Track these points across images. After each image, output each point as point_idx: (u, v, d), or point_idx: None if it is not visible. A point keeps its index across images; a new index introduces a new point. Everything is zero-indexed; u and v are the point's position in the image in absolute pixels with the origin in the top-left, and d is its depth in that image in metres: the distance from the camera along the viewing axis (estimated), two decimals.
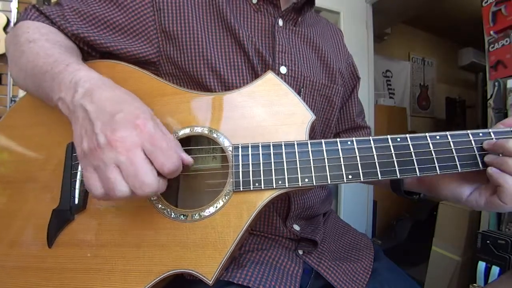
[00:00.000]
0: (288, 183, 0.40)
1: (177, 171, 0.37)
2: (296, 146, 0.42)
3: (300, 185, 0.40)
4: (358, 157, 0.41)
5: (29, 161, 0.48)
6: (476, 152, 0.40)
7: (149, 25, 0.51)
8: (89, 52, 0.52)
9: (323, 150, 0.41)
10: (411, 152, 0.40)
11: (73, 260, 0.42)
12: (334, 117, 0.63)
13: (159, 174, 0.35)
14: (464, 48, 4.09)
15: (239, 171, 0.41)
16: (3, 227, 0.46)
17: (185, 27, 0.51)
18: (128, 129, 0.34)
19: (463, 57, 4.12)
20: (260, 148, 0.42)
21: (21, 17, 0.51)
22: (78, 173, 0.44)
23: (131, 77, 0.49)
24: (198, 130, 0.45)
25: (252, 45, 0.53)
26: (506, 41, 1.45)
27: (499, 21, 1.49)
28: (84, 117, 0.36)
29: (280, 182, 0.40)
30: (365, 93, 2.24)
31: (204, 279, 0.39)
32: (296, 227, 0.54)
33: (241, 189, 0.41)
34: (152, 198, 0.43)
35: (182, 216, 0.42)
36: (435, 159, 0.40)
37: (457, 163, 0.40)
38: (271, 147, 0.42)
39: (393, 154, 0.40)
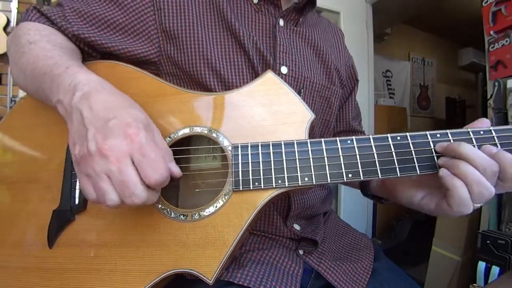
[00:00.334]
0: (287, 182, 0.40)
1: (163, 183, 0.36)
2: (295, 145, 0.42)
3: (300, 184, 0.40)
4: (358, 156, 0.41)
5: (32, 162, 0.48)
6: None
7: (149, 25, 0.51)
8: (90, 52, 0.52)
9: (322, 149, 0.41)
10: (411, 151, 0.40)
11: (73, 260, 0.42)
12: (333, 119, 0.63)
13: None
14: (464, 48, 4.08)
15: (238, 171, 0.41)
16: (6, 227, 0.46)
17: (186, 27, 0.51)
18: (119, 137, 0.34)
19: (463, 57, 4.12)
20: (260, 147, 0.42)
21: (22, 19, 0.51)
22: None
23: (132, 77, 0.49)
24: (197, 130, 0.45)
25: (253, 45, 0.53)
26: (506, 41, 1.45)
27: (499, 21, 1.49)
28: (79, 121, 0.36)
29: (279, 181, 0.40)
30: (365, 93, 2.24)
31: (204, 278, 0.39)
32: (297, 227, 0.54)
33: (241, 189, 0.41)
34: None
35: (182, 216, 0.42)
36: (435, 157, 0.39)
37: None
38: (271, 146, 0.42)
39: (393, 153, 0.40)
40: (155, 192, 0.37)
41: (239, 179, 0.41)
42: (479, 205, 0.38)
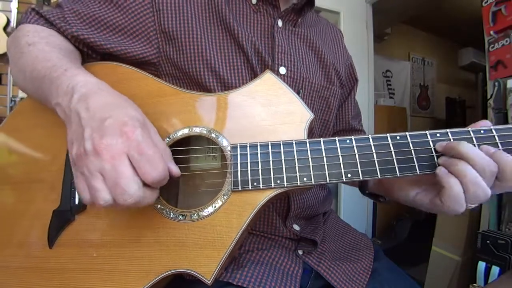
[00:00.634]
0: (286, 182, 0.40)
1: (162, 181, 0.36)
2: (294, 145, 0.42)
3: (298, 184, 0.40)
4: (357, 156, 0.40)
5: (35, 163, 0.48)
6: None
7: (148, 26, 0.51)
8: (89, 54, 0.53)
9: (321, 149, 0.41)
10: (411, 150, 0.40)
11: (73, 260, 0.42)
12: (332, 119, 0.63)
13: (146, 184, 0.35)
14: (464, 48, 4.09)
15: (237, 171, 0.41)
16: (9, 227, 0.46)
17: (185, 28, 0.51)
18: (115, 136, 0.34)
19: (463, 57, 4.12)
20: (259, 147, 0.42)
21: (21, 20, 0.51)
22: None
23: (131, 78, 0.49)
24: (196, 130, 0.45)
25: (252, 45, 0.53)
26: (506, 41, 1.45)
27: (499, 21, 1.49)
28: (77, 122, 0.36)
29: (278, 181, 0.40)
30: (365, 93, 2.24)
31: (203, 279, 0.39)
32: (296, 227, 0.54)
33: (240, 189, 0.41)
34: None
35: (181, 216, 0.42)
36: (435, 156, 0.39)
37: None
38: (270, 146, 0.42)
39: (393, 153, 0.40)
40: (153, 192, 0.36)
41: (237, 179, 0.41)
42: (473, 205, 0.38)
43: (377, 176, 0.40)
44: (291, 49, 0.57)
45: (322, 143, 0.41)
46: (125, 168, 0.33)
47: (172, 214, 0.42)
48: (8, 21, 1.59)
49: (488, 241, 1.31)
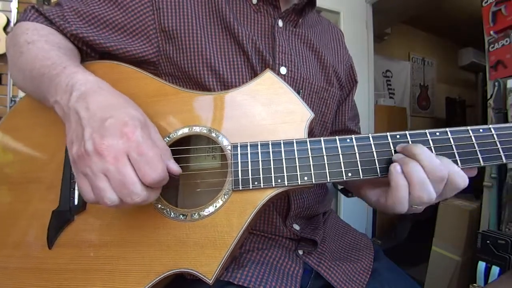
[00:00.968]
0: (287, 181, 0.40)
1: (161, 182, 0.36)
2: (295, 144, 0.42)
3: (299, 183, 0.40)
4: (357, 155, 0.41)
5: (33, 162, 0.48)
6: (476, 148, 0.40)
7: (148, 25, 0.51)
8: (89, 52, 0.52)
9: (322, 148, 0.41)
10: None
11: (73, 261, 0.42)
12: (330, 120, 0.63)
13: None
14: (464, 48, 4.09)
15: (238, 170, 0.41)
16: (7, 227, 0.46)
17: (185, 27, 0.51)
18: (116, 136, 0.34)
19: (463, 57, 4.12)
20: (259, 146, 0.42)
21: (20, 18, 0.51)
22: None
23: (131, 77, 0.49)
24: (197, 129, 0.45)
25: (252, 45, 0.53)
26: (506, 41, 1.45)
27: (499, 21, 1.49)
28: (76, 121, 0.36)
29: (279, 181, 0.40)
30: (365, 93, 2.24)
31: (204, 278, 0.39)
32: (296, 227, 0.54)
33: (241, 188, 0.41)
34: None
35: (181, 216, 0.42)
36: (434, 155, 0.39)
37: (457, 158, 0.39)
38: (270, 145, 0.42)
39: (393, 151, 0.40)
40: (155, 191, 0.37)
41: (238, 179, 0.41)
42: (418, 207, 0.39)
43: (377, 175, 0.40)
44: (291, 49, 0.57)
45: (322, 142, 0.41)
46: (128, 169, 0.34)
47: (172, 213, 0.42)
48: (8, 21, 1.59)
49: (488, 241, 1.31)
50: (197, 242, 0.40)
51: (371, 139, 0.41)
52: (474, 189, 1.70)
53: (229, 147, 0.43)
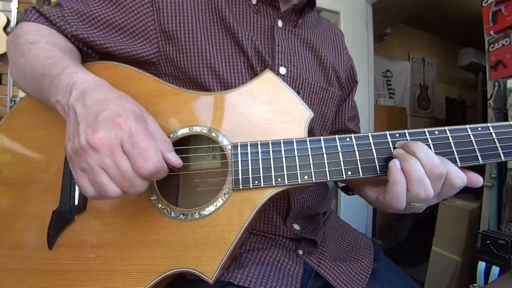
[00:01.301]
0: (287, 180, 0.40)
1: (158, 173, 0.35)
2: (295, 143, 0.42)
3: (299, 182, 0.40)
4: (357, 153, 0.41)
5: (33, 163, 0.48)
6: (475, 146, 0.40)
7: (148, 25, 0.51)
8: (89, 53, 0.53)
9: (322, 147, 0.41)
10: None
11: (73, 261, 0.42)
12: (330, 120, 0.63)
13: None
14: (464, 48, 4.09)
15: (238, 170, 0.42)
16: (6, 228, 0.46)
17: (184, 27, 0.51)
18: (108, 128, 0.34)
19: (463, 57, 4.12)
20: (259, 146, 0.42)
21: (21, 19, 0.51)
22: None
23: (131, 78, 0.49)
24: (197, 129, 0.45)
25: (252, 45, 0.53)
26: (506, 41, 1.45)
27: (499, 21, 1.49)
28: (74, 119, 0.36)
29: (279, 180, 0.41)
30: (365, 93, 2.24)
31: (205, 278, 0.39)
32: (296, 227, 0.54)
33: (241, 187, 0.41)
34: (152, 198, 0.43)
35: (182, 215, 0.42)
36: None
37: (456, 156, 0.39)
38: (270, 145, 0.42)
39: (392, 149, 0.40)
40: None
41: (238, 178, 0.41)
42: (416, 205, 0.39)
43: (377, 174, 0.40)
44: (291, 49, 0.57)
45: (322, 141, 0.42)
46: (125, 161, 0.33)
47: (173, 213, 0.42)
48: (8, 21, 1.59)
49: (488, 241, 1.31)
50: (197, 242, 0.40)
51: (370, 138, 0.41)
52: (474, 189, 1.70)
53: (229, 147, 0.43)
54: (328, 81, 0.62)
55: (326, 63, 0.62)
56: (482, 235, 1.35)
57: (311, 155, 0.41)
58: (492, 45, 1.52)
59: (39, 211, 0.45)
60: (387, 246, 2.32)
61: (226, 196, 0.42)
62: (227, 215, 0.41)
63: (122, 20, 0.51)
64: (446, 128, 0.41)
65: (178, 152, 0.44)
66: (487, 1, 1.54)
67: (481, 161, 0.39)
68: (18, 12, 1.59)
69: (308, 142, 0.42)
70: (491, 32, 1.53)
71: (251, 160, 0.42)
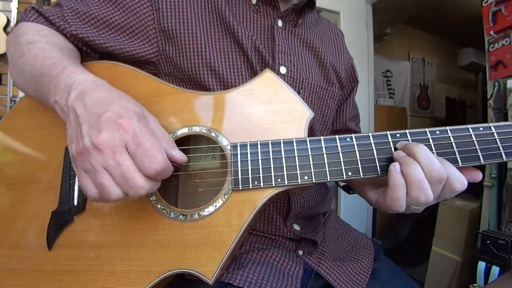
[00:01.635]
0: (287, 180, 0.40)
1: (163, 172, 0.35)
2: (295, 143, 0.42)
3: (299, 182, 0.40)
4: (357, 153, 0.40)
5: (32, 163, 0.48)
6: (476, 146, 0.39)
7: (148, 25, 0.51)
8: (88, 52, 0.52)
9: (322, 147, 0.41)
10: None
11: (73, 262, 0.42)
12: (330, 120, 0.63)
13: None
14: (464, 48, 4.09)
15: (238, 170, 0.41)
16: (6, 228, 0.46)
17: (184, 27, 0.51)
18: (112, 129, 0.34)
19: (463, 57, 4.12)
20: (259, 146, 0.42)
21: (20, 19, 0.51)
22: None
23: (130, 77, 0.49)
24: (196, 129, 0.45)
25: (252, 45, 0.53)
26: (506, 41, 1.45)
27: (499, 21, 1.49)
28: (75, 120, 0.36)
29: (279, 180, 0.40)
30: (365, 93, 2.24)
31: (205, 279, 0.38)
32: (296, 227, 0.54)
33: (240, 188, 0.41)
34: (151, 198, 0.43)
35: (181, 216, 0.42)
36: (435, 154, 0.39)
37: (458, 156, 0.39)
38: (270, 145, 0.42)
39: (393, 150, 0.40)
40: (157, 181, 0.37)
41: (238, 178, 0.41)
42: (416, 207, 0.39)
43: (378, 174, 0.40)
44: (291, 49, 0.57)
45: (322, 141, 0.41)
46: (128, 162, 0.33)
47: (172, 214, 0.42)
48: (8, 21, 1.59)
49: (488, 241, 1.31)
50: (197, 243, 0.40)
51: (371, 138, 0.41)
52: (474, 189, 1.70)
53: (229, 147, 0.43)
54: (328, 81, 0.62)
55: (326, 63, 0.62)
56: (482, 235, 1.35)
57: (311, 155, 0.41)
58: (492, 45, 1.52)
59: (38, 211, 0.45)
60: (387, 246, 2.32)
61: (225, 196, 0.42)
62: (226, 216, 0.41)
63: (122, 20, 0.51)
64: (447, 128, 0.40)
65: None
66: (487, 1, 1.54)
67: (482, 161, 0.39)
68: (18, 12, 1.59)
69: (308, 142, 0.42)
70: (491, 32, 1.52)
71: (250, 160, 0.41)
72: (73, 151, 0.35)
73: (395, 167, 0.37)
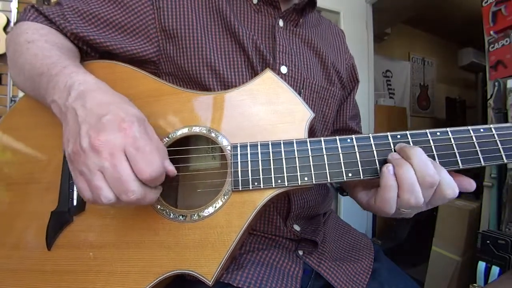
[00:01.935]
0: (287, 181, 0.40)
1: (158, 178, 0.35)
2: (295, 144, 0.42)
3: (299, 183, 0.40)
4: (358, 155, 0.40)
5: (32, 163, 0.48)
6: (477, 148, 0.39)
7: (149, 24, 0.51)
8: (89, 52, 0.52)
9: (322, 148, 0.41)
10: None
11: (73, 262, 0.42)
12: (331, 120, 0.63)
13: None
14: (464, 48, 4.09)
15: (237, 171, 0.41)
16: (6, 228, 0.46)
17: (185, 26, 0.51)
18: (113, 132, 0.33)
19: (463, 57, 4.12)
20: (259, 147, 0.42)
21: (20, 18, 0.51)
22: None
23: (130, 77, 0.49)
24: (196, 129, 0.45)
25: (253, 44, 0.53)
26: (506, 41, 1.45)
27: (499, 21, 1.49)
28: (73, 120, 0.36)
29: (279, 181, 0.40)
30: (365, 93, 2.24)
31: (204, 279, 0.38)
32: (297, 227, 0.54)
33: (240, 189, 0.41)
34: None
35: (181, 217, 0.42)
36: (435, 155, 0.39)
37: (458, 158, 0.39)
38: (270, 146, 0.42)
39: (393, 151, 0.40)
40: (153, 191, 0.36)
41: (238, 179, 0.41)
42: (405, 211, 0.38)
43: (378, 175, 0.40)
44: (292, 49, 0.56)
45: (322, 142, 0.41)
46: (125, 165, 0.33)
47: (172, 214, 0.42)
48: (8, 21, 1.59)
49: (488, 241, 1.31)
50: (196, 243, 0.40)
51: (371, 139, 0.41)
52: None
53: (229, 147, 0.43)
54: (329, 80, 0.62)
55: (327, 62, 0.62)
56: (482, 235, 1.35)
57: (311, 156, 0.41)
58: (492, 45, 1.52)
59: (38, 211, 0.45)
60: (387, 246, 2.32)
61: (225, 197, 0.41)
62: (226, 217, 0.41)
63: (123, 19, 0.51)
64: (448, 129, 0.40)
65: (178, 152, 0.44)
66: (487, 1, 1.54)
67: (483, 163, 0.39)
68: (18, 12, 1.59)
69: (308, 143, 0.41)
70: (491, 32, 1.52)
71: (250, 161, 0.41)
72: (70, 151, 0.35)
73: (388, 169, 0.37)
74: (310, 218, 0.60)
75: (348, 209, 2.09)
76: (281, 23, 0.57)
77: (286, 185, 0.40)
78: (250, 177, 0.41)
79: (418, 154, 0.37)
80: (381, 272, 0.55)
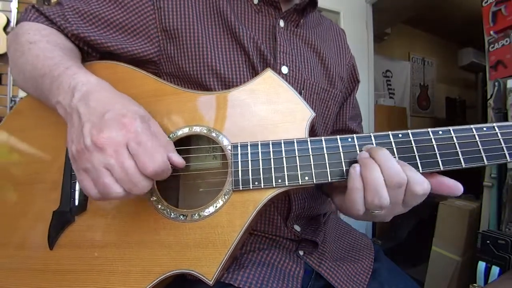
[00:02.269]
0: (288, 181, 0.40)
1: (162, 173, 0.36)
2: (295, 144, 0.42)
3: (300, 183, 0.40)
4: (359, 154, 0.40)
5: (38, 163, 0.48)
6: (480, 147, 0.39)
7: (149, 24, 0.51)
8: (89, 52, 0.52)
9: (323, 147, 0.41)
10: (412, 147, 0.39)
11: (74, 262, 0.42)
12: (331, 121, 0.63)
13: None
14: (464, 48, 4.09)
15: (238, 170, 0.41)
16: (10, 228, 0.46)
17: (186, 26, 0.51)
18: (115, 128, 0.34)
19: (463, 57, 4.12)
20: (260, 146, 0.42)
21: (21, 18, 0.51)
22: None
23: (131, 77, 0.49)
24: (197, 129, 0.45)
25: (253, 44, 0.53)
26: (506, 41, 1.45)
27: (499, 21, 1.49)
28: (77, 120, 0.36)
29: (280, 181, 0.40)
30: (365, 93, 2.24)
31: (205, 279, 0.38)
32: (297, 228, 0.54)
33: (241, 188, 0.41)
34: (152, 199, 0.43)
35: (181, 216, 0.42)
36: (437, 154, 0.39)
37: (461, 157, 0.39)
38: (271, 145, 0.42)
39: (394, 150, 0.40)
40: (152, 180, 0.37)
41: (238, 179, 0.41)
42: (377, 212, 0.38)
43: None
44: (292, 49, 0.56)
45: (323, 141, 0.41)
46: (130, 161, 0.34)
47: (173, 214, 0.42)
48: (8, 21, 1.59)
49: (488, 241, 1.31)
50: (197, 243, 0.40)
51: (373, 138, 0.41)
52: (474, 189, 1.70)
53: (229, 147, 0.43)
54: (330, 82, 0.62)
55: (328, 63, 0.62)
56: (482, 235, 1.35)
57: (312, 155, 0.41)
58: (492, 45, 1.52)
59: (42, 211, 0.45)
60: (387, 246, 2.32)
61: (226, 197, 0.41)
62: (227, 216, 0.41)
63: (123, 19, 0.51)
64: (450, 128, 0.40)
65: (178, 152, 0.44)
66: (487, 1, 1.54)
67: (486, 162, 0.38)
68: (18, 12, 1.59)
69: (309, 143, 0.41)
70: (491, 32, 1.52)
71: (251, 160, 0.41)
72: (73, 150, 0.35)
73: (355, 169, 0.37)
74: (311, 218, 0.60)
75: None
76: (281, 23, 0.57)
77: (287, 184, 0.40)
78: (250, 176, 0.41)
79: (383, 154, 0.37)
80: (381, 272, 0.55)
